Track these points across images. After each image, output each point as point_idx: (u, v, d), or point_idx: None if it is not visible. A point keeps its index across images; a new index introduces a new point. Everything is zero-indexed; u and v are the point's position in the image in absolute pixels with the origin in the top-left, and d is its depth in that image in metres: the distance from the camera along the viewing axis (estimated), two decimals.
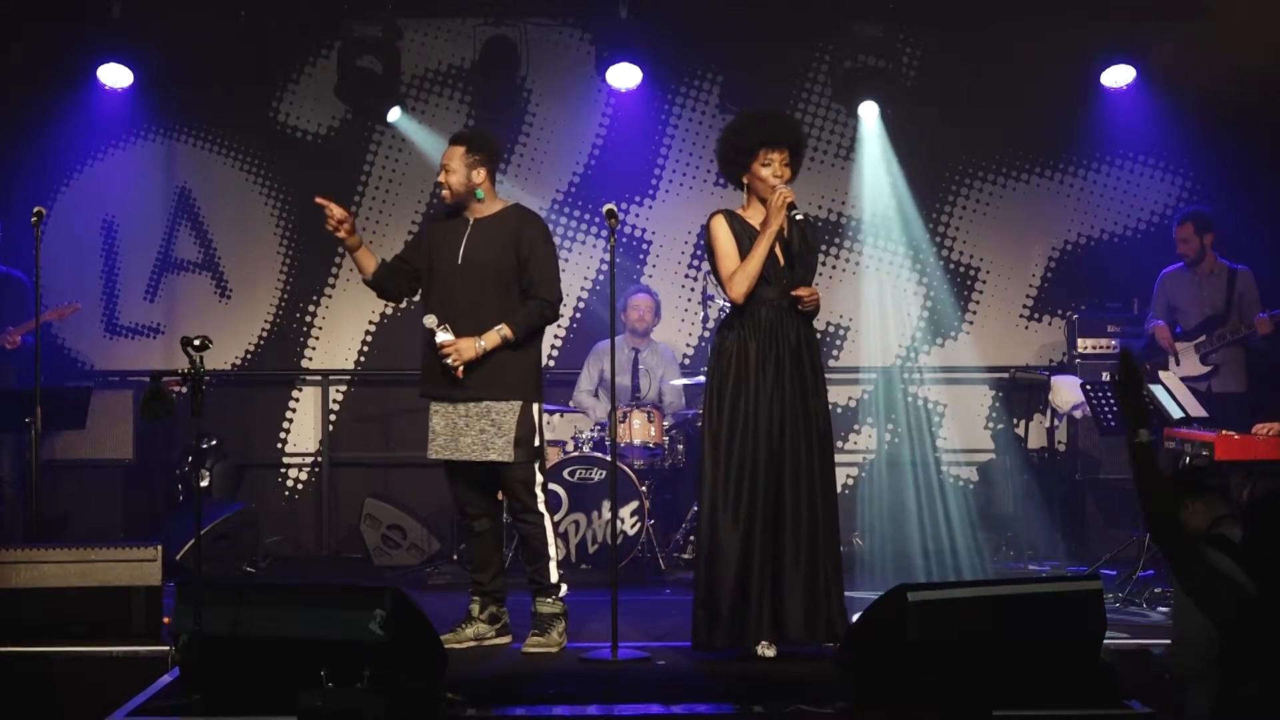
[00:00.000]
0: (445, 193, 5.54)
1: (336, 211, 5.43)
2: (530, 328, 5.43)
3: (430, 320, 5.38)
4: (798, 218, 5.28)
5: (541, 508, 5.43)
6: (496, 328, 5.34)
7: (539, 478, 5.44)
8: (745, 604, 5.16)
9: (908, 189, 8.84)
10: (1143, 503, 3.52)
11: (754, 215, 5.38)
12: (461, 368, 5.32)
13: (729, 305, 5.41)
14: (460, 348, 5.32)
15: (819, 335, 5.56)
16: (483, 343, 5.32)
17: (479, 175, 5.49)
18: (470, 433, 5.37)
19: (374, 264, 5.60)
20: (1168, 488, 3.57)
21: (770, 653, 5.16)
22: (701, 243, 8.84)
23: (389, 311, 8.92)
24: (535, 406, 5.45)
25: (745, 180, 5.40)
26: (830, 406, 5.55)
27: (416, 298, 5.77)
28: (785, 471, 5.21)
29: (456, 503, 5.59)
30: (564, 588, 5.46)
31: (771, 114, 5.75)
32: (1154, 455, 3.61)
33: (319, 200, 5.48)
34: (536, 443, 5.43)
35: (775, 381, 5.25)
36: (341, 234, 5.45)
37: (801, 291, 5.29)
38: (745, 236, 5.32)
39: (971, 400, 8.94)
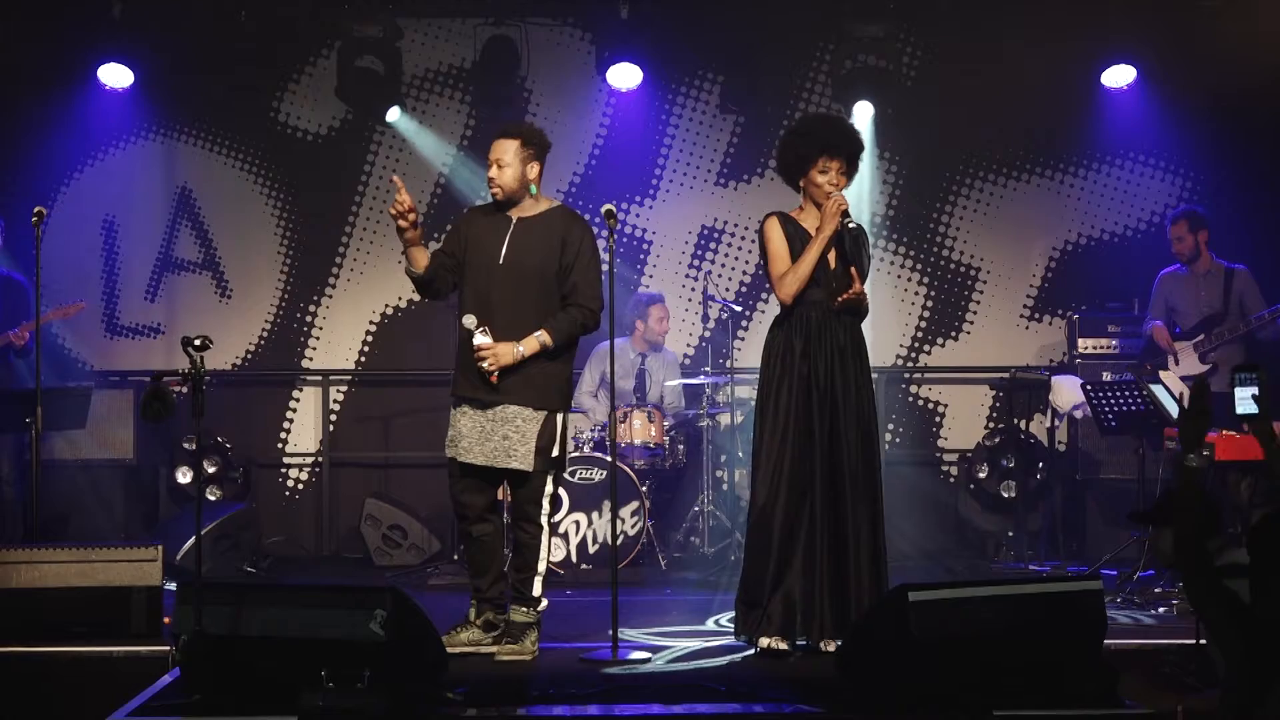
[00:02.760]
0: (496, 191, 5.29)
1: (406, 200, 5.15)
2: (570, 336, 5.27)
3: (470, 321, 5.18)
4: (850, 225, 5.29)
5: (544, 520, 5.26)
6: (536, 334, 5.18)
7: (549, 489, 5.27)
8: (784, 598, 5.16)
9: (907, 189, 8.85)
10: (1175, 524, 3.50)
11: (807, 219, 5.37)
12: (496, 373, 5.16)
13: (780, 306, 5.39)
14: (499, 353, 5.14)
15: None
16: (521, 349, 5.15)
17: (533, 171, 5.30)
18: (494, 438, 5.20)
19: (427, 260, 5.32)
20: (1200, 518, 3.52)
21: (783, 645, 5.15)
22: (702, 243, 8.95)
23: (389, 311, 8.92)
24: (560, 417, 5.28)
25: (801, 184, 5.40)
26: None
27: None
28: (840, 472, 5.20)
29: (456, 505, 5.38)
30: (545, 601, 5.32)
31: (834, 120, 5.74)
32: (1199, 479, 3.58)
33: (394, 179, 5.31)
34: (555, 453, 5.26)
35: (825, 383, 5.25)
36: (404, 224, 5.19)
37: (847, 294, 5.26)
38: (798, 239, 5.31)
39: (971, 400, 8.94)
